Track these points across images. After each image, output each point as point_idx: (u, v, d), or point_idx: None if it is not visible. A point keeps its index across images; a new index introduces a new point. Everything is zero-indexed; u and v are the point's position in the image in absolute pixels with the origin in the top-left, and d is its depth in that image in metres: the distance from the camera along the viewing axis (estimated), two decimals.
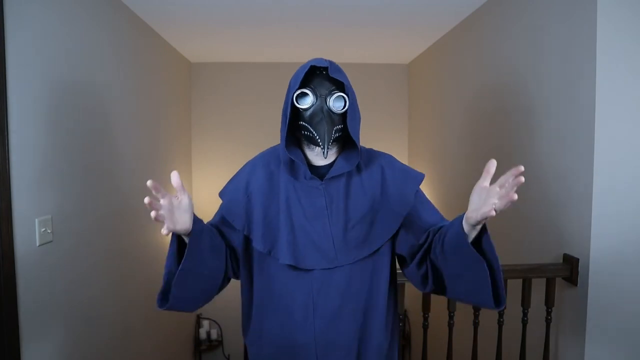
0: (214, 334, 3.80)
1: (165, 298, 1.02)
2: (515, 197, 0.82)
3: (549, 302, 1.62)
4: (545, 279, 1.63)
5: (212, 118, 3.78)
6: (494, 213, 0.83)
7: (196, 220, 0.99)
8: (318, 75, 1.05)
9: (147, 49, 2.66)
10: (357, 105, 1.08)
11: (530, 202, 1.84)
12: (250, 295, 1.15)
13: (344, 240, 1.07)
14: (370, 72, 3.80)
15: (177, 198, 0.94)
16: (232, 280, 1.19)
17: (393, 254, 1.15)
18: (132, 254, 2.41)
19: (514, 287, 1.69)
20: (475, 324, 1.73)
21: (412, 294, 2.96)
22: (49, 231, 1.58)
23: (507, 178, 0.84)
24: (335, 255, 1.06)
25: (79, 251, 1.81)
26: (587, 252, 1.49)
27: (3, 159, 1.36)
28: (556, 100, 1.67)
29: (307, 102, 1.03)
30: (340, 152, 1.13)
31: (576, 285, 1.55)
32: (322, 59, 1.06)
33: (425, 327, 1.78)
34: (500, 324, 1.71)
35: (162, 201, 0.90)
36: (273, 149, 1.20)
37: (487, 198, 0.86)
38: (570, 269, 1.55)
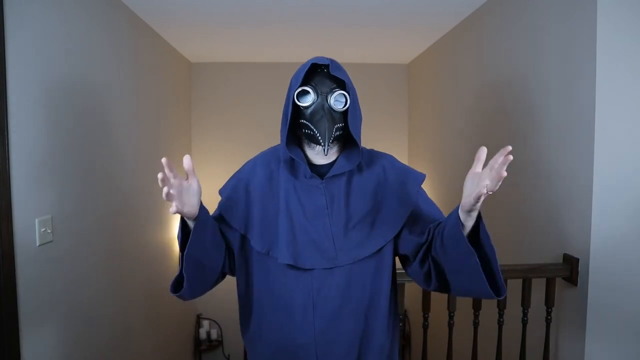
0: (214, 334, 3.80)
1: (178, 284, 1.04)
2: (505, 173, 0.84)
3: (549, 302, 1.62)
4: (545, 279, 1.63)
5: (212, 118, 3.78)
6: (485, 191, 0.84)
7: (203, 208, 1.01)
8: (319, 74, 1.05)
9: (147, 49, 2.66)
10: (358, 104, 1.08)
11: (530, 202, 1.84)
12: (248, 295, 1.15)
13: (345, 240, 1.07)
14: (370, 72, 3.80)
15: (187, 182, 0.95)
16: (233, 280, 1.19)
17: (394, 254, 1.15)
18: (132, 254, 2.41)
19: (514, 287, 1.69)
20: (475, 324, 1.73)
21: (412, 294, 2.96)
22: (49, 231, 1.58)
23: (497, 159, 0.86)
24: (335, 254, 1.06)
25: (79, 251, 1.81)
26: (587, 252, 1.49)
27: (3, 158, 1.36)
28: (556, 100, 1.67)
29: (308, 100, 1.03)
30: (341, 151, 1.12)
31: (576, 285, 1.55)
32: (323, 57, 1.05)
33: (425, 327, 1.78)
34: (500, 324, 1.71)
35: (172, 180, 0.91)
36: (274, 149, 1.20)
37: (480, 182, 0.87)
38: (570, 269, 1.56)
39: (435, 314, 1.82)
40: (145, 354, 2.57)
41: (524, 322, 1.68)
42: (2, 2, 1.34)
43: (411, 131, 3.83)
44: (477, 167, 0.91)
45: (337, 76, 1.02)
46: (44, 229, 1.54)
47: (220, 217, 1.15)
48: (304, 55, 3.46)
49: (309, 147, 1.10)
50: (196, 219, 0.99)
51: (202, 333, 3.74)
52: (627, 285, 1.49)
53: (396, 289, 1.20)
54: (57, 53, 1.65)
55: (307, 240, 1.06)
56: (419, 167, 3.57)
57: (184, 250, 0.99)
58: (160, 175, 0.88)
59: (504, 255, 1.93)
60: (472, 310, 1.73)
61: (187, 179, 0.95)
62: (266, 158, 1.17)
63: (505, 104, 2.08)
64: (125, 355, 2.29)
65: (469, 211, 0.90)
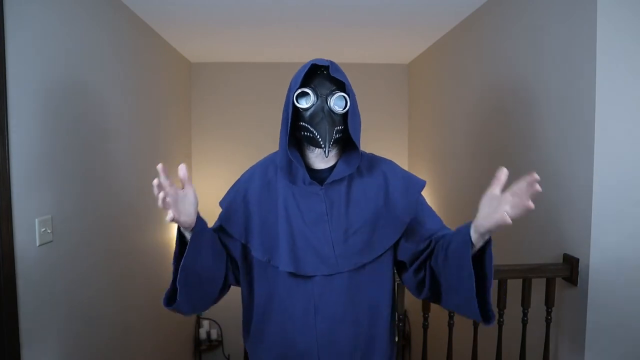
0: (214, 334, 3.80)
1: (172, 297, 1.02)
2: (532, 205, 0.80)
3: (549, 302, 1.62)
4: (545, 279, 1.63)
5: (212, 118, 3.78)
6: (509, 220, 0.81)
7: (200, 218, 1.00)
8: (319, 75, 1.04)
9: (147, 49, 2.66)
10: (357, 107, 1.07)
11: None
12: (250, 302, 1.15)
13: (345, 246, 1.06)
14: (370, 72, 3.80)
15: (183, 190, 0.94)
16: None
17: (394, 260, 1.14)
18: (132, 254, 2.42)
19: (514, 287, 1.69)
20: (475, 324, 1.73)
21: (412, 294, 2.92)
22: (49, 231, 1.58)
23: (521, 186, 0.82)
24: (335, 261, 1.05)
25: (79, 251, 1.81)
26: (587, 252, 1.49)
27: (3, 159, 1.36)
28: (556, 100, 1.67)
29: (307, 102, 1.02)
30: (340, 154, 1.11)
31: (576, 285, 1.55)
32: (322, 59, 1.05)
33: (425, 327, 1.78)
34: (500, 324, 1.71)
35: (168, 188, 0.90)
36: (271, 157, 1.19)
37: (499, 206, 0.84)
38: (570, 269, 1.55)
39: (435, 314, 1.82)
40: (145, 353, 2.57)
41: (524, 322, 1.68)
42: (2, 2, 1.34)
43: (411, 131, 3.82)
44: (496, 189, 0.86)
45: (337, 78, 1.01)
46: (44, 229, 1.54)
47: (220, 228, 1.14)
48: (304, 55, 3.46)
49: (309, 150, 1.09)
50: (193, 230, 0.98)
51: (202, 333, 3.74)
52: (627, 285, 1.49)
53: (396, 293, 1.20)
54: (57, 53, 1.65)
55: (307, 247, 1.05)
56: (418, 167, 3.57)
57: (179, 261, 0.98)
58: (155, 181, 0.87)
59: (504, 255, 1.93)
60: None
61: (182, 188, 0.95)
62: (264, 167, 1.16)
63: (505, 103, 2.08)
64: (126, 355, 2.29)
65: (483, 233, 0.89)
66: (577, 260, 1.54)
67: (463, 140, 2.64)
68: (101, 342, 2.00)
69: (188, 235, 0.99)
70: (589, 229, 1.48)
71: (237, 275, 1.15)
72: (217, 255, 1.08)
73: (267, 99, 3.69)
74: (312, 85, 1.03)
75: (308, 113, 1.03)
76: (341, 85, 1.04)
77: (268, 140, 3.26)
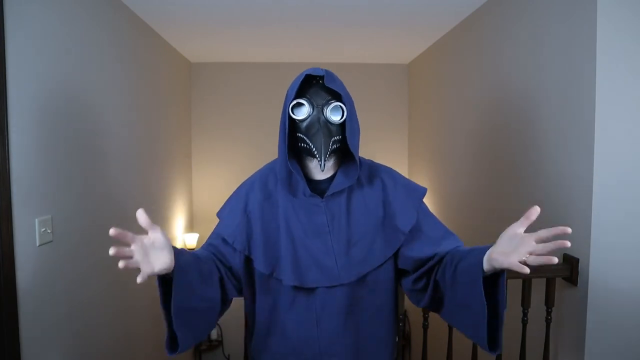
0: (214, 334, 3.80)
1: (174, 343, 0.95)
2: (555, 260, 0.77)
3: (549, 302, 1.62)
4: (545, 279, 1.63)
5: (212, 118, 3.78)
6: (527, 270, 0.77)
7: (178, 253, 0.91)
8: (314, 85, 1.02)
9: (147, 49, 2.66)
10: (355, 115, 1.05)
11: (530, 201, 1.84)
12: (253, 313, 1.15)
13: (347, 258, 1.05)
14: (370, 72, 3.80)
15: (149, 238, 0.85)
16: None
17: (395, 268, 1.14)
18: None
19: (514, 287, 1.69)
20: None
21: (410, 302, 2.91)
22: (49, 231, 1.58)
23: (548, 234, 0.79)
24: (337, 272, 1.04)
25: (79, 251, 1.81)
26: (587, 252, 1.49)
27: (3, 159, 1.36)
28: (556, 100, 1.67)
29: (303, 113, 1.01)
30: (339, 163, 1.10)
31: (576, 285, 1.55)
32: (318, 68, 1.03)
33: (425, 327, 1.78)
34: None
35: (132, 246, 0.82)
36: (270, 166, 1.17)
37: (519, 246, 0.82)
38: (570, 269, 1.55)
39: (435, 314, 1.82)
40: (146, 353, 2.57)
41: (524, 322, 1.68)
42: (2, 2, 1.34)
43: (411, 131, 3.82)
44: (522, 227, 0.84)
45: (333, 88, 1.00)
46: (44, 229, 1.54)
47: (223, 241, 1.11)
48: (304, 55, 3.46)
49: (308, 159, 1.09)
50: (173, 270, 0.89)
51: None
52: (627, 285, 1.48)
53: (398, 301, 1.20)
54: (57, 53, 1.65)
55: (310, 259, 1.05)
56: (418, 167, 3.57)
57: (168, 303, 0.91)
58: (112, 251, 0.78)
59: None
60: None
61: (147, 233, 0.85)
62: (263, 177, 1.15)
63: (505, 103, 2.08)
64: (126, 355, 2.29)
65: (495, 267, 0.87)
66: (577, 260, 1.54)
67: (463, 140, 2.64)
68: (101, 342, 2.00)
69: (170, 275, 0.90)
70: (589, 229, 1.48)
71: (238, 286, 1.13)
72: (207, 280, 1.02)
73: (267, 99, 3.69)
74: (308, 96, 1.01)
75: (304, 124, 1.01)
76: (338, 95, 1.02)
77: (268, 140, 3.26)
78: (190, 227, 3.71)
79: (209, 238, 1.15)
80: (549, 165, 1.71)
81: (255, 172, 1.19)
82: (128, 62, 2.34)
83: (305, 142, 1.02)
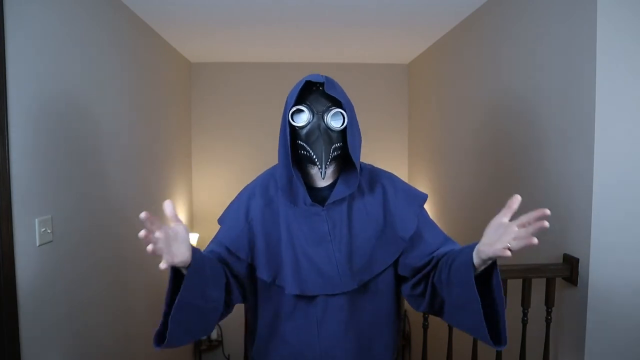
0: (214, 334, 3.80)
1: (162, 336, 0.92)
2: (536, 241, 0.79)
3: (549, 302, 1.62)
4: (545, 279, 1.63)
5: (212, 118, 3.78)
6: (509, 254, 0.79)
7: (194, 250, 0.92)
8: (314, 91, 1.01)
9: (147, 49, 2.66)
10: (356, 122, 1.05)
11: (531, 202, 1.84)
12: (255, 319, 1.15)
13: (348, 265, 1.05)
14: (370, 72, 3.80)
15: (173, 229, 0.86)
16: None
17: (395, 274, 1.14)
18: (133, 254, 2.41)
19: (514, 287, 1.69)
20: None
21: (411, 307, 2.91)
22: (49, 231, 1.58)
23: (529, 219, 0.81)
24: (339, 280, 1.04)
25: (79, 251, 1.81)
26: (587, 252, 1.49)
27: (3, 159, 1.36)
28: (556, 100, 1.66)
29: (303, 120, 1.00)
30: (340, 170, 1.10)
31: (576, 285, 1.55)
32: (318, 74, 1.03)
33: (425, 327, 1.78)
34: None
35: (157, 233, 0.83)
36: (271, 172, 1.16)
37: (503, 235, 0.83)
38: (570, 269, 1.55)
39: None
40: (146, 353, 2.57)
41: (524, 322, 1.68)
42: (2, 2, 1.34)
43: (411, 131, 3.82)
44: (505, 216, 0.85)
45: (333, 95, 0.99)
46: (44, 229, 1.54)
47: (227, 249, 1.10)
48: (304, 55, 3.46)
49: (309, 167, 1.08)
50: (189, 265, 0.90)
51: None
52: (627, 285, 1.48)
53: (399, 307, 1.20)
54: (57, 53, 1.65)
55: (311, 267, 1.05)
56: (418, 167, 3.57)
57: (173, 299, 0.90)
58: (142, 233, 0.80)
59: None
60: None
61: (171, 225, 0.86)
62: (264, 183, 1.14)
63: (505, 103, 2.08)
64: (126, 355, 2.29)
65: (484, 259, 0.88)
66: (577, 260, 1.54)
67: (463, 140, 2.63)
68: (101, 342, 2.00)
69: (184, 271, 0.91)
70: (589, 229, 1.48)
71: (242, 292, 1.12)
72: (216, 282, 1.01)
73: (267, 99, 3.69)
74: (308, 102, 1.01)
75: (304, 131, 1.01)
76: (339, 101, 1.02)
77: (268, 140, 3.26)
78: (190, 227, 3.71)
79: (211, 243, 1.14)
80: (549, 165, 1.71)
81: (257, 178, 1.18)
82: (128, 62, 2.34)
83: (305, 149, 1.01)
